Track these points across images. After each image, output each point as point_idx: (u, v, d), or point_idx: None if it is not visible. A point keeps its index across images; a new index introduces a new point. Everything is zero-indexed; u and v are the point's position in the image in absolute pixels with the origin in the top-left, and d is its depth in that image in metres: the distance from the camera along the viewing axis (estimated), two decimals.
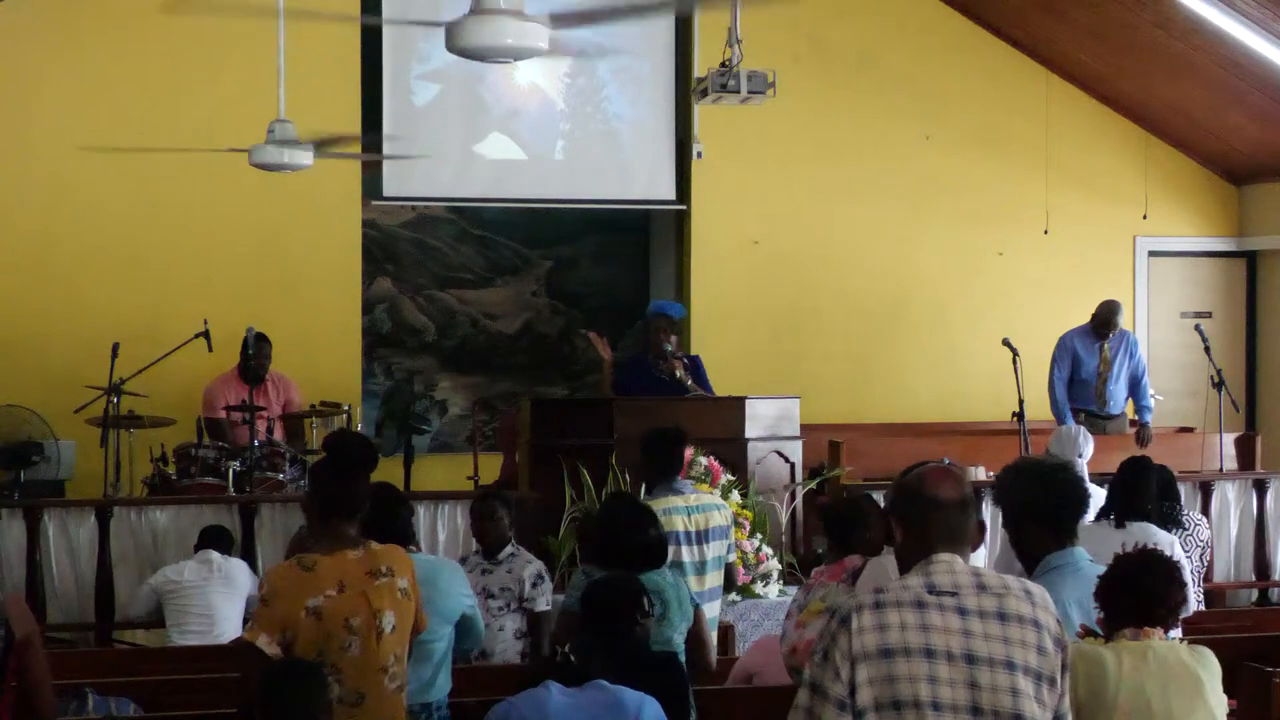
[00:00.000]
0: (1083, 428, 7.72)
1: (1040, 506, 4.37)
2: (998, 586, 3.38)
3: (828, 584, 5.25)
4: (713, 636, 6.40)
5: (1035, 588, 3.45)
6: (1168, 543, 6.44)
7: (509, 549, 6.78)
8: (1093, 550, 4.48)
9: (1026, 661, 3.32)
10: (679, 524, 6.52)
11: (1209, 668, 4.08)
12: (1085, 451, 7.63)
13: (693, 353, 10.27)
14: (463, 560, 6.72)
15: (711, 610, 6.53)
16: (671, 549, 6.44)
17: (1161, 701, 3.96)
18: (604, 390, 9.42)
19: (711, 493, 8.09)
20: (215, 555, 7.73)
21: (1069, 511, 4.42)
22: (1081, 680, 3.91)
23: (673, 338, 9.21)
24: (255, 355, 9.93)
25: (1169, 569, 4.14)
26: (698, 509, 6.62)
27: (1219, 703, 4.08)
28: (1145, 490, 6.64)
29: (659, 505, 6.57)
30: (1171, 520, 6.98)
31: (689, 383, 9.09)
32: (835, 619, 3.37)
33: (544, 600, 6.71)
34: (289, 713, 4.27)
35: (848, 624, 3.33)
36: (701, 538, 6.60)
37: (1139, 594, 4.08)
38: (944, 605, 3.33)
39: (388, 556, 4.69)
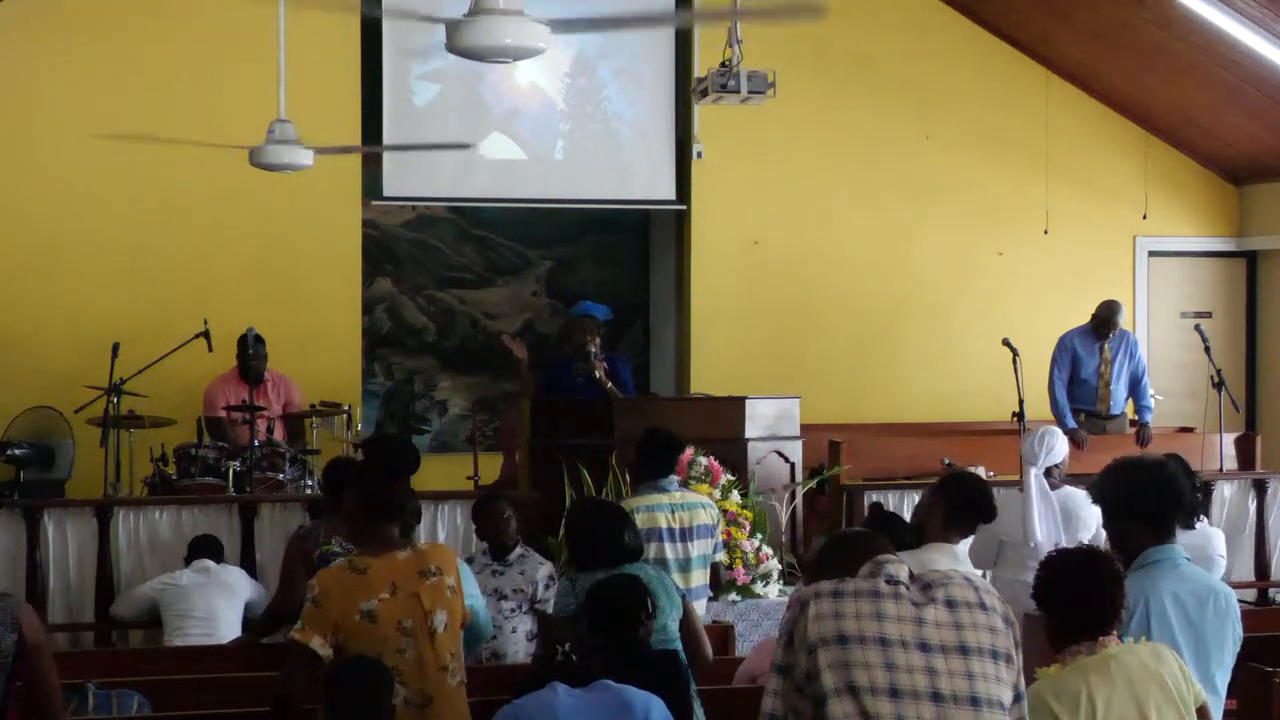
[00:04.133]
0: (1048, 433, 7.20)
1: (1140, 502, 4.43)
2: (940, 577, 3.50)
3: None
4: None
5: (972, 575, 3.60)
6: (1220, 538, 6.89)
7: (519, 550, 6.78)
8: None
9: (979, 643, 3.40)
10: (661, 520, 6.57)
11: (1167, 664, 3.97)
12: (1042, 459, 6.99)
13: (629, 354, 10.26)
14: (469, 560, 6.69)
15: (698, 609, 6.51)
16: (654, 545, 6.49)
17: (1138, 714, 3.86)
18: (524, 392, 9.41)
19: (710, 493, 8.11)
20: (211, 563, 7.78)
21: (1169, 507, 4.46)
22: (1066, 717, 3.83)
23: (597, 339, 9.24)
24: (252, 356, 9.93)
25: (1112, 565, 4.02)
26: (682, 506, 6.65)
27: (1179, 692, 3.95)
28: (1194, 489, 6.65)
29: (642, 502, 6.61)
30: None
31: (608, 385, 9.09)
32: (796, 605, 3.47)
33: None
34: (355, 709, 4.28)
35: (805, 610, 3.42)
36: (686, 535, 6.62)
37: (1094, 599, 3.93)
38: (899, 595, 3.43)
39: (435, 555, 4.81)
